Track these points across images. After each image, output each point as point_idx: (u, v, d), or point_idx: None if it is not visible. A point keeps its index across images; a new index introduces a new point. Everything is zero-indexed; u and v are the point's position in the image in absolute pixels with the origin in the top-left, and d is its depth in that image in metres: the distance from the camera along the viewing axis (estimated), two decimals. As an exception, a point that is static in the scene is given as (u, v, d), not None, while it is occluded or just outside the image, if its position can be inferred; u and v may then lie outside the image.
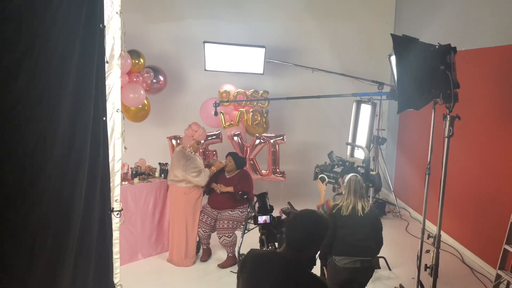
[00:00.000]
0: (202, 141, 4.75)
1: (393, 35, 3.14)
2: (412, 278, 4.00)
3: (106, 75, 2.60)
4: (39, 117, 2.15)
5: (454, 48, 3.12)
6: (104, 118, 2.61)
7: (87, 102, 2.40)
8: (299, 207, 3.98)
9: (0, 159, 2.11)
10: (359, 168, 4.29)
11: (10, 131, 2.09)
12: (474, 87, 4.67)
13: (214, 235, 4.69)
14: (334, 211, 3.26)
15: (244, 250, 4.42)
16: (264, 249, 3.57)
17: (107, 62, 2.57)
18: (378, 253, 3.33)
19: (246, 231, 4.63)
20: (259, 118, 6.10)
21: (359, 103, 5.80)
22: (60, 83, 2.23)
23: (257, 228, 4.02)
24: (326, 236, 2.04)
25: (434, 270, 3.28)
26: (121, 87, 2.86)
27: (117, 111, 2.73)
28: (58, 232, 2.39)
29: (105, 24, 2.52)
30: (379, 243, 3.29)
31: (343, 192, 3.39)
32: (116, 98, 2.73)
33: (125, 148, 2.85)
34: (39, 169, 2.26)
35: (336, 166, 4.28)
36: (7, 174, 2.13)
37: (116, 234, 2.86)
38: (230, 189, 4.60)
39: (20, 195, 2.23)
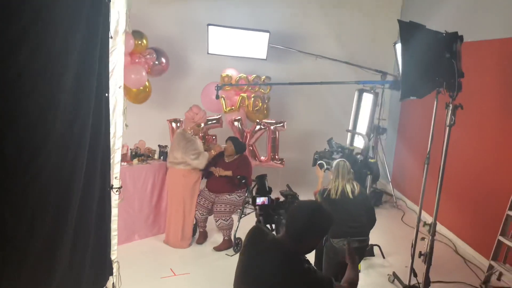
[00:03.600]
0: (203, 125, 4.75)
1: (400, 21, 3.12)
2: (406, 267, 4.04)
3: (110, 51, 2.58)
4: (41, 90, 2.12)
5: (461, 37, 3.10)
6: (106, 94, 2.59)
7: (90, 77, 2.37)
8: (297, 192, 4.00)
9: (0, 131, 2.09)
10: (358, 156, 4.31)
11: (12, 102, 2.06)
12: (479, 79, 4.65)
13: (211, 218, 4.71)
14: (324, 196, 3.32)
15: (240, 234, 4.46)
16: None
17: (111, 38, 2.55)
18: (371, 229, 3.42)
19: (243, 215, 4.66)
20: (260, 104, 6.08)
21: (361, 92, 5.81)
22: (64, 56, 2.19)
23: (254, 212, 4.04)
24: (329, 230, 2.01)
25: (428, 257, 3.31)
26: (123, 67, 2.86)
27: (119, 88, 2.72)
28: (58, 206, 2.38)
29: (110, -2, 2.49)
30: (371, 221, 3.39)
31: (331, 177, 3.45)
32: (119, 75, 2.71)
33: (127, 125, 2.84)
34: (40, 142, 2.24)
35: (335, 153, 4.30)
36: (7, 146, 2.11)
37: (115, 211, 2.87)
38: (229, 173, 4.62)
39: (20, 168, 2.22)
